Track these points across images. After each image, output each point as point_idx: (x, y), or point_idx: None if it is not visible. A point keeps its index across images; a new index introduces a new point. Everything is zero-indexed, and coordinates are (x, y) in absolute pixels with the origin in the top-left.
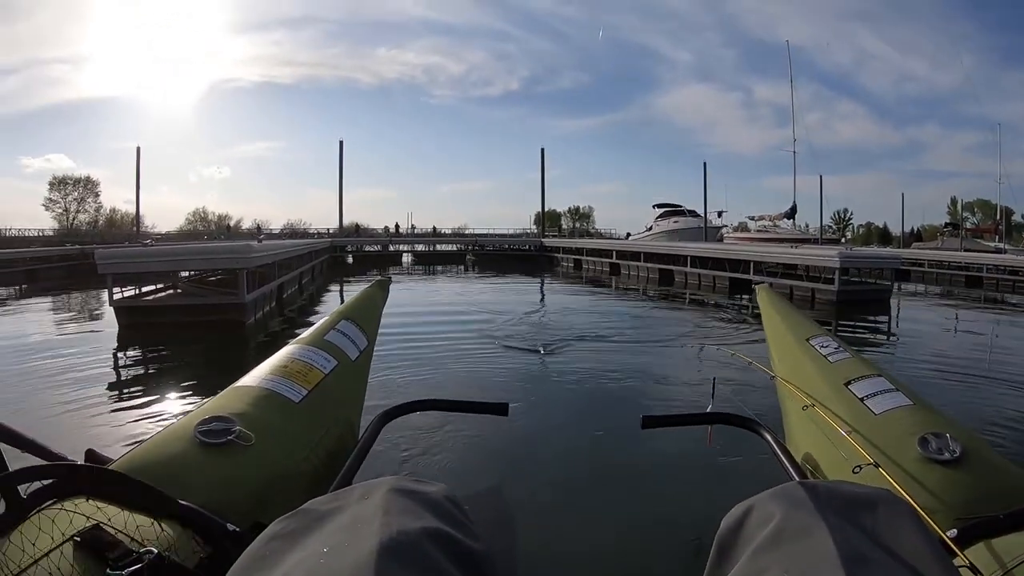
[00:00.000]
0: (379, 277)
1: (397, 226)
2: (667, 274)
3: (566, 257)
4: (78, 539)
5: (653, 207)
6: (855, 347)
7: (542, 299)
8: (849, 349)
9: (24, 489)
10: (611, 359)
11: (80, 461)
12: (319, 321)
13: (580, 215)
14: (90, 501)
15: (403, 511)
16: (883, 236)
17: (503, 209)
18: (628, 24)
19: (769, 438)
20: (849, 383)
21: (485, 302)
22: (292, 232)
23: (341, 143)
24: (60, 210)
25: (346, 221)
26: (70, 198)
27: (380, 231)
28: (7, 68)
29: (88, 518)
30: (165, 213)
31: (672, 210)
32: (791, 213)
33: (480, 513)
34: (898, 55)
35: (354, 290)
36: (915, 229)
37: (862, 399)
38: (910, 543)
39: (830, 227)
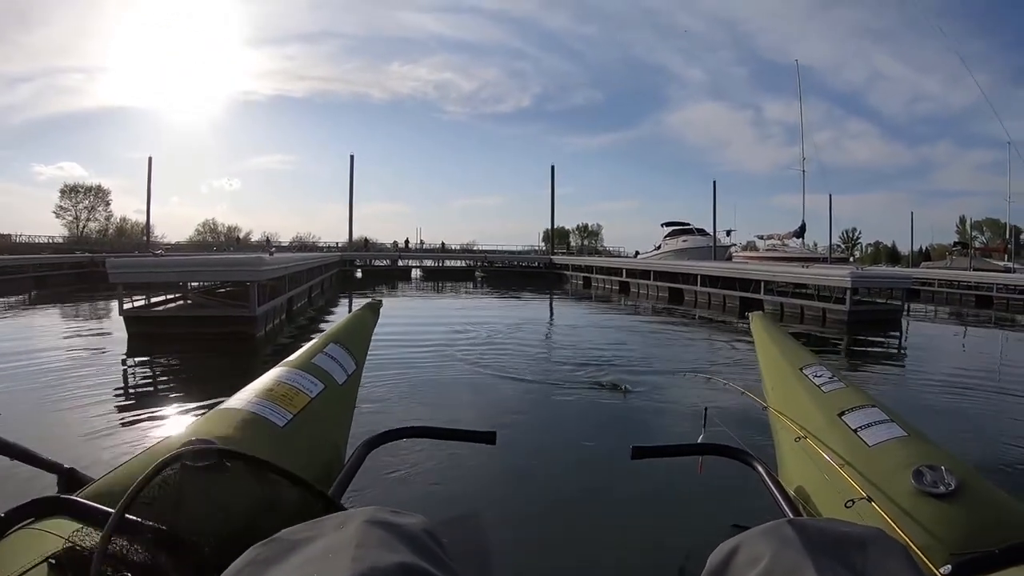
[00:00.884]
0: (370, 300)
1: (407, 241)
2: (677, 292)
3: (575, 275)
4: (52, 561)
5: (662, 225)
6: (863, 369)
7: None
8: (843, 379)
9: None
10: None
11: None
12: (308, 344)
13: (588, 233)
14: (68, 521)
15: (378, 544)
16: (891, 255)
17: (513, 225)
18: (642, 41)
19: (761, 470)
20: (843, 414)
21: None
22: (301, 245)
23: (352, 157)
24: (71, 218)
25: (355, 235)
26: (81, 206)
27: (389, 246)
28: (22, 76)
29: (66, 539)
30: (175, 223)
31: (681, 228)
32: (800, 232)
33: (460, 545)
34: (911, 74)
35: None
36: (924, 248)
37: (855, 430)
38: None
39: (838, 246)
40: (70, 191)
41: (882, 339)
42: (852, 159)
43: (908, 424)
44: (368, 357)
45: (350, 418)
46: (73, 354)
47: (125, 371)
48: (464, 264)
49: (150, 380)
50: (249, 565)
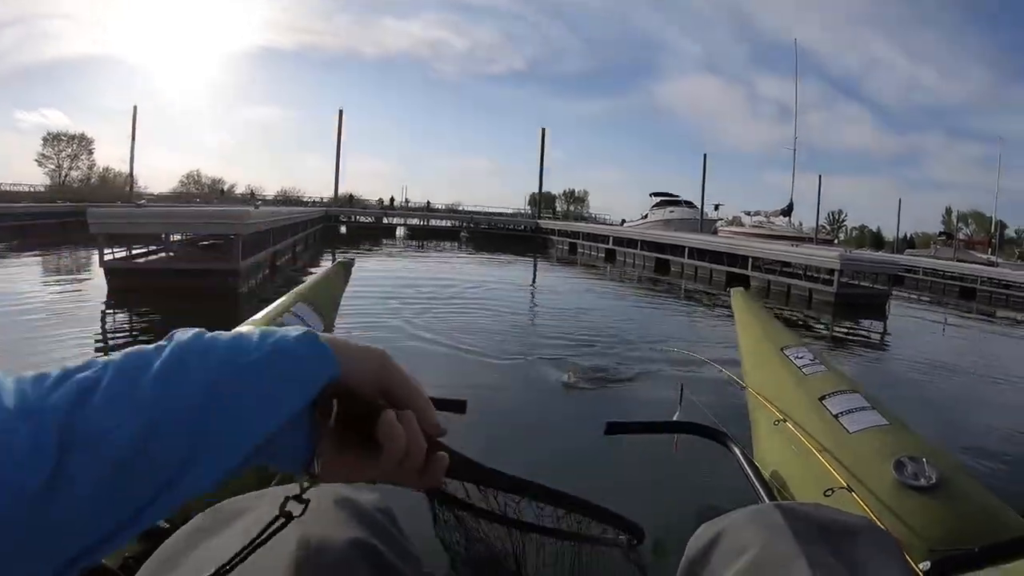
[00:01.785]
0: (341, 259)
1: (392, 199)
2: (663, 263)
3: (561, 240)
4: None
5: (650, 195)
6: (846, 354)
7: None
8: (826, 361)
9: None
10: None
11: None
12: (275, 302)
13: (575, 199)
14: None
15: (329, 519)
16: (876, 240)
17: (499, 188)
18: (641, 13)
19: (737, 452)
20: (824, 398)
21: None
22: (286, 199)
23: (341, 112)
24: (53, 166)
25: (340, 191)
26: (63, 155)
27: (374, 203)
28: (3, 20)
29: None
30: (159, 174)
31: (669, 200)
32: (787, 210)
33: (419, 523)
34: (909, 63)
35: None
36: (908, 236)
37: (836, 416)
38: None
39: (824, 227)
40: (53, 139)
41: (868, 322)
42: (844, 141)
43: (890, 412)
44: (340, 314)
45: None
46: (53, 307)
47: (104, 325)
48: (449, 224)
49: (127, 334)
50: (193, 532)
